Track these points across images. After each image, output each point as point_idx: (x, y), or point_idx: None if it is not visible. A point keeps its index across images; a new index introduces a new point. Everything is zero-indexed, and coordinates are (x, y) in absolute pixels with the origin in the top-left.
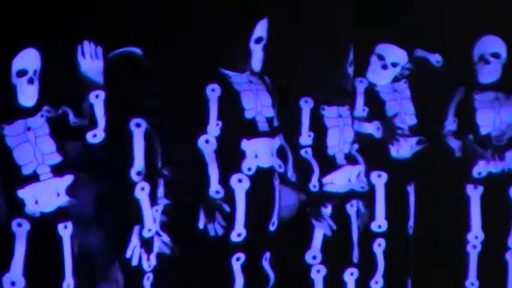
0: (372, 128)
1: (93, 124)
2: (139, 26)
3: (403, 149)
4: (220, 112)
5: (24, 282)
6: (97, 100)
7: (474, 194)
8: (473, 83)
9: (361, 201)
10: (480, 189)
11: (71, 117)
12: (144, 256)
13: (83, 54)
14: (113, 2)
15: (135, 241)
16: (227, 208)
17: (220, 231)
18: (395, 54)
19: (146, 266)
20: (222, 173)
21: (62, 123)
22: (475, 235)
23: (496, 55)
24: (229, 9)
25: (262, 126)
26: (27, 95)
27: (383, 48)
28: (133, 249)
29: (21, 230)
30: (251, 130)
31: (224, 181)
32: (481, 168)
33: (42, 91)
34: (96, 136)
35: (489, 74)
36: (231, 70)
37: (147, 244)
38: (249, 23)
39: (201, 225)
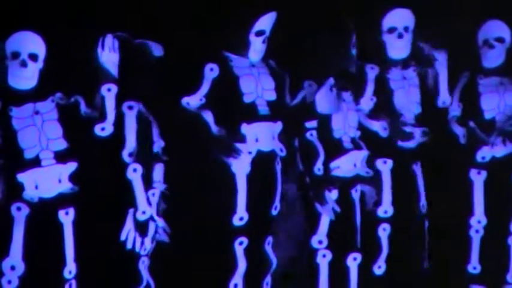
0: (378, 127)
1: (103, 117)
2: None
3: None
4: (214, 94)
5: (24, 266)
6: (109, 93)
7: (477, 179)
8: (478, 67)
9: (367, 185)
10: (484, 174)
11: (83, 107)
12: (139, 240)
13: (102, 46)
14: None
15: (129, 224)
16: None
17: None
18: (403, 18)
19: (141, 249)
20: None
21: (72, 112)
22: (478, 220)
23: (500, 39)
24: None
25: (263, 110)
26: (19, 77)
27: (390, 19)
28: (128, 232)
29: (20, 214)
30: (251, 114)
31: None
32: (484, 153)
33: (48, 77)
34: (104, 129)
35: (493, 58)
36: (234, 53)
37: (141, 227)
38: (252, 16)
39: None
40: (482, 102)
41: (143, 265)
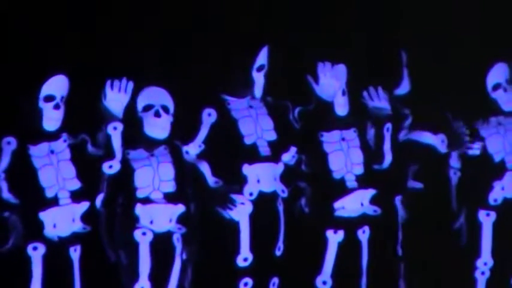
0: (436, 141)
1: (110, 155)
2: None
3: None
4: (214, 138)
5: None
6: (115, 132)
7: (486, 220)
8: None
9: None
10: (493, 215)
11: (89, 146)
12: None
13: (111, 86)
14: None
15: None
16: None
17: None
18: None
19: None
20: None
21: (81, 151)
22: (484, 262)
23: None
24: (232, 37)
25: (264, 150)
26: (52, 119)
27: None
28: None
29: (36, 253)
30: (252, 155)
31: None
32: (497, 195)
33: (66, 116)
34: (112, 167)
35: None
36: (232, 96)
37: None
38: (252, 52)
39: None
40: (489, 146)
41: None
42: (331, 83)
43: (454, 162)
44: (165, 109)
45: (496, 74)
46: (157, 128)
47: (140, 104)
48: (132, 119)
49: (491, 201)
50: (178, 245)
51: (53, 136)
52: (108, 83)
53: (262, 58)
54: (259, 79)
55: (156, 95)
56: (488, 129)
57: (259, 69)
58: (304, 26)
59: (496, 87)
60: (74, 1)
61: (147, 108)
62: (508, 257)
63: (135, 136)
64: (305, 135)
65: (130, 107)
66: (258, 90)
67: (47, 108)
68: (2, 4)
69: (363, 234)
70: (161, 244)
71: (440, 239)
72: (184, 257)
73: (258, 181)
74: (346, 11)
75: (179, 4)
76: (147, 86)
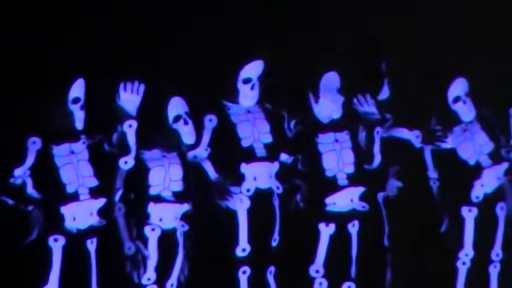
0: (411, 136)
1: (126, 151)
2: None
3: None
4: (215, 141)
5: None
6: (130, 129)
7: (468, 216)
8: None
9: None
10: (474, 211)
11: (105, 146)
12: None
13: (124, 88)
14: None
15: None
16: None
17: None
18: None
19: (142, 279)
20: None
21: (98, 150)
22: (466, 253)
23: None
24: (233, 46)
25: (260, 152)
26: (79, 120)
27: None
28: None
29: (57, 244)
30: (249, 156)
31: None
32: (478, 192)
33: (86, 117)
34: (127, 163)
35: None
36: (231, 102)
37: (132, 262)
38: (237, 65)
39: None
40: (460, 153)
41: None
42: (330, 106)
43: (432, 173)
44: (188, 115)
45: (456, 88)
46: (188, 135)
47: (170, 115)
48: (168, 131)
49: (473, 198)
50: (181, 240)
51: (73, 138)
52: (121, 85)
53: (247, 72)
54: (244, 90)
55: (178, 105)
56: (456, 138)
57: (245, 81)
58: (303, 38)
59: (456, 99)
60: (87, 5)
61: (177, 118)
62: (485, 248)
63: (173, 146)
64: (301, 136)
65: (162, 118)
66: (245, 100)
67: (76, 110)
68: (22, 12)
69: (353, 228)
70: (167, 239)
71: (426, 236)
72: (186, 251)
73: (255, 178)
74: (343, 29)
75: (182, 12)
76: (171, 96)
